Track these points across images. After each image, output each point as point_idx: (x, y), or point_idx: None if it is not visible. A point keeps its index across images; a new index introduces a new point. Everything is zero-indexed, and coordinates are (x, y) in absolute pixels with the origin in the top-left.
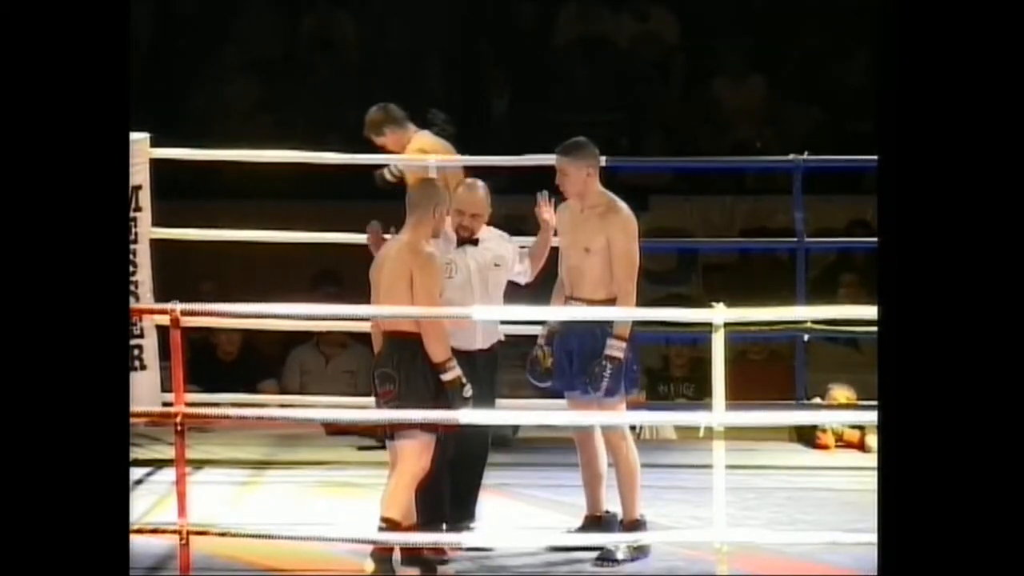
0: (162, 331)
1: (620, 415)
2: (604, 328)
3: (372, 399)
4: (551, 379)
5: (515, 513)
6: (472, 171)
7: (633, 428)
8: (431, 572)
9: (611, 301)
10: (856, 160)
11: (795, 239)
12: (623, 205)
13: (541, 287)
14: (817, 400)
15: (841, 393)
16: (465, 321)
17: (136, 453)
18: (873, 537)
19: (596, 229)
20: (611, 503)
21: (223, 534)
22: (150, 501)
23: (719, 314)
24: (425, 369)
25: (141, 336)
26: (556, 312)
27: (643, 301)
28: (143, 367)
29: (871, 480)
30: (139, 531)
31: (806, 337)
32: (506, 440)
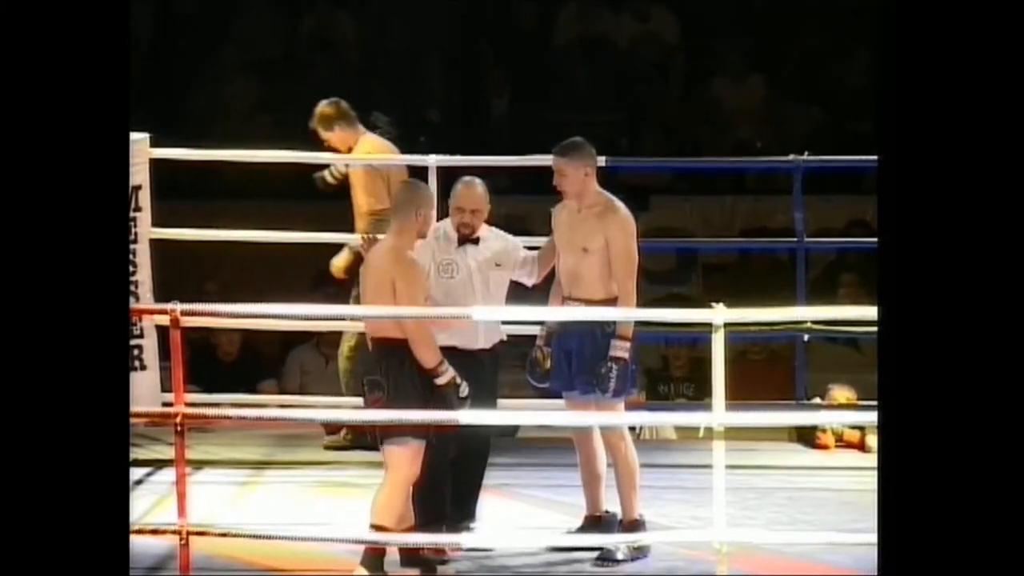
0: (162, 331)
1: (619, 415)
2: (602, 328)
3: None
4: (550, 380)
5: (515, 513)
6: (472, 171)
7: (633, 428)
8: (431, 572)
9: (609, 301)
10: (856, 160)
11: (795, 239)
12: (621, 205)
13: (541, 288)
14: (817, 400)
15: (841, 393)
16: (467, 320)
17: (136, 453)
18: (873, 537)
19: (594, 229)
20: (611, 503)
21: (223, 534)
22: (150, 501)
23: (719, 314)
24: (414, 375)
25: (141, 336)
26: (556, 312)
27: (643, 301)
28: (143, 367)
29: (871, 480)
30: (139, 531)
31: (806, 337)
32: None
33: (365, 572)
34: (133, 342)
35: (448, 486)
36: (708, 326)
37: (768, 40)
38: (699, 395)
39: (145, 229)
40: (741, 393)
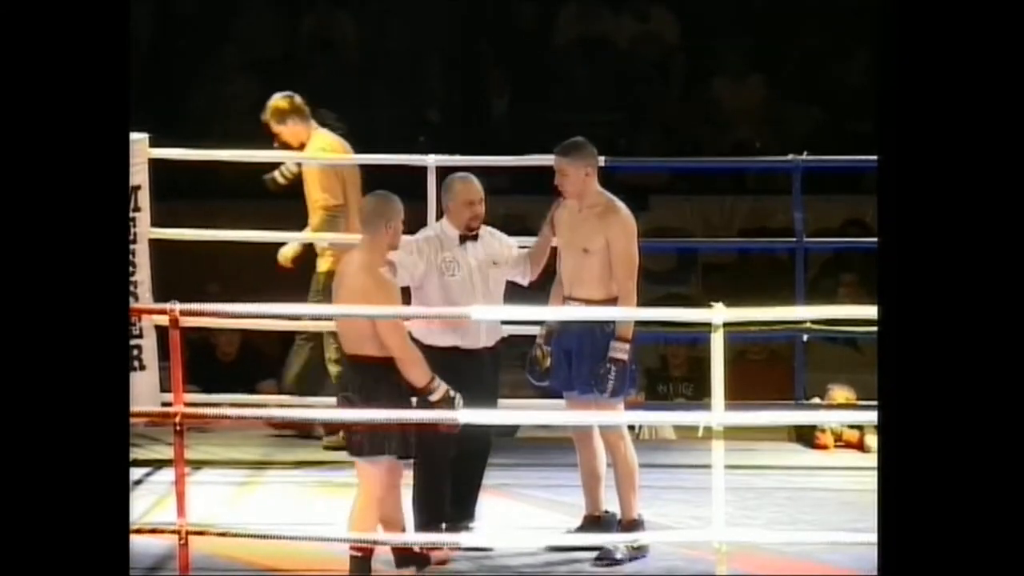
0: (161, 331)
1: (619, 415)
2: (602, 328)
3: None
4: (550, 379)
5: (515, 513)
6: (472, 171)
7: (632, 428)
8: (424, 571)
9: (609, 301)
10: (855, 160)
11: (794, 239)
12: (621, 205)
13: (540, 287)
14: (816, 400)
15: (840, 393)
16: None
17: (136, 453)
18: (873, 537)
19: (595, 229)
20: (610, 503)
21: (222, 534)
22: (150, 501)
23: (718, 314)
24: (391, 393)
25: (140, 336)
26: (556, 312)
27: (643, 301)
28: (142, 367)
29: (871, 480)
30: (139, 531)
31: (805, 337)
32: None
33: (350, 569)
34: (133, 342)
35: (448, 486)
36: (707, 326)
37: (768, 40)
38: (698, 395)
39: (144, 229)
40: (740, 393)
